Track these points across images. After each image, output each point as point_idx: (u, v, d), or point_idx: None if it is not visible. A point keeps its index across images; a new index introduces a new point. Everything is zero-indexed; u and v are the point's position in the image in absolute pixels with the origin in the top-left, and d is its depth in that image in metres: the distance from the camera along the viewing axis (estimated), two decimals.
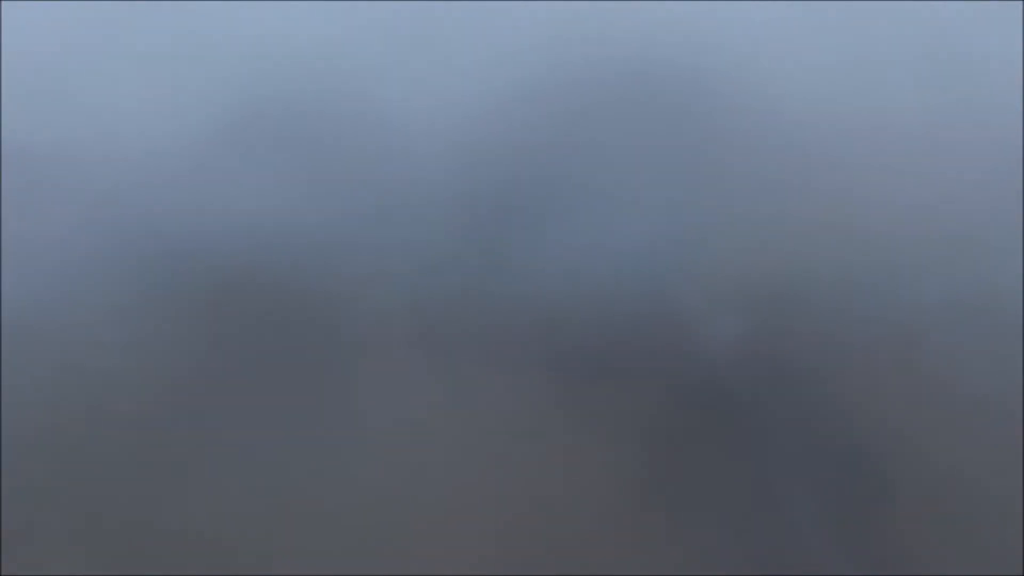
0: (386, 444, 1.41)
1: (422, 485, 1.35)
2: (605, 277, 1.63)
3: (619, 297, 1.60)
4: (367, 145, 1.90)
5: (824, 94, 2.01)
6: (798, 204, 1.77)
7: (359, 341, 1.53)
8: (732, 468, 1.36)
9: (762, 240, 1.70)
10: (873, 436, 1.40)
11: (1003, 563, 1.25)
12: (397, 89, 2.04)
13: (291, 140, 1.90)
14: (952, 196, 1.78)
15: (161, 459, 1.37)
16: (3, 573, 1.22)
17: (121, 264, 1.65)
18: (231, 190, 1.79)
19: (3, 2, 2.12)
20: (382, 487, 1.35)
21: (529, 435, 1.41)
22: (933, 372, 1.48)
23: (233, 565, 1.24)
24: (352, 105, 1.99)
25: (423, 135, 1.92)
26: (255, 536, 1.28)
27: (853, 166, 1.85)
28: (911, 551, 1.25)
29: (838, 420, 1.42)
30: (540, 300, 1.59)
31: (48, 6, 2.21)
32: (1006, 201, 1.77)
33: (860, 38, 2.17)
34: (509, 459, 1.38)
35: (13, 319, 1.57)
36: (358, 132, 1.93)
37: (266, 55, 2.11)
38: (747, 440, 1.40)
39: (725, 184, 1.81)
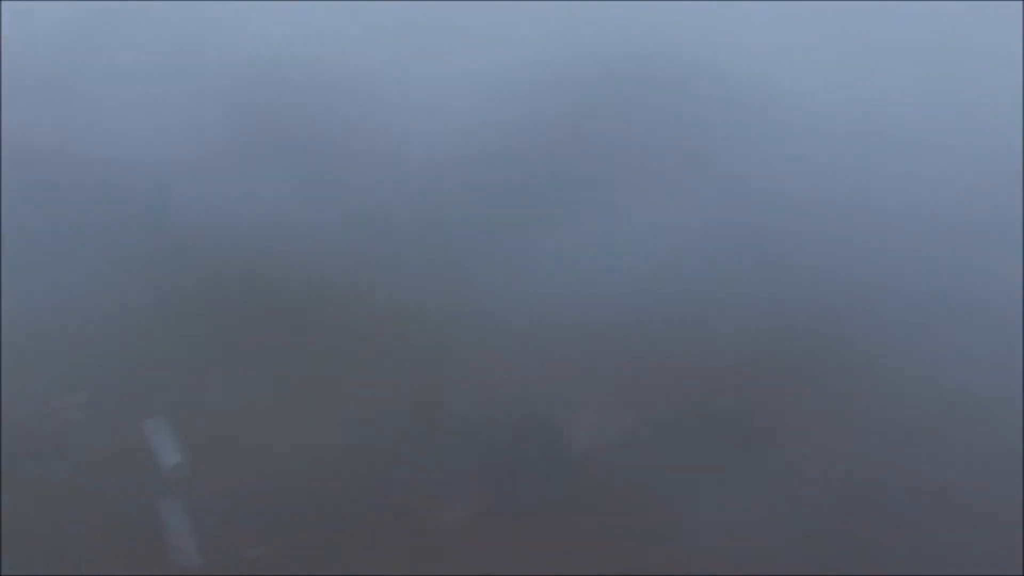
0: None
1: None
2: (609, 278, 1.64)
3: (622, 299, 1.61)
4: (367, 145, 1.90)
5: (826, 94, 2.01)
6: (802, 202, 1.77)
7: (356, 337, 1.54)
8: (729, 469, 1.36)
9: (765, 239, 1.70)
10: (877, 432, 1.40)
11: (1003, 563, 1.25)
12: (398, 89, 2.04)
13: (290, 140, 1.91)
14: (952, 195, 1.79)
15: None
16: (3, 573, 1.22)
17: (117, 260, 1.66)
18: (230, 189, 1.80)
19: (3, 1, 2.13)
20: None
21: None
22: (934, 369, 1.48)
23: None
24: (352, 105, 1.99)
25: (424, 135, 1.92)
26: None
27: (857, 166, 1.85)
28: (911, 551, 1.26)
29: (845, 415, 1.42)
30: (542, 298, 1.60)
31: (48, 6, 2.22)
32: (1006, 200, 1.77)
33: (868, 39, 2.17)
34: None
35: (13, 316, 1.57)
36: (359, 132, 1.93)
37: (265, 55, 2.12)
38: (748, 443, 1.40)
39: (728, 185, 1.81)
